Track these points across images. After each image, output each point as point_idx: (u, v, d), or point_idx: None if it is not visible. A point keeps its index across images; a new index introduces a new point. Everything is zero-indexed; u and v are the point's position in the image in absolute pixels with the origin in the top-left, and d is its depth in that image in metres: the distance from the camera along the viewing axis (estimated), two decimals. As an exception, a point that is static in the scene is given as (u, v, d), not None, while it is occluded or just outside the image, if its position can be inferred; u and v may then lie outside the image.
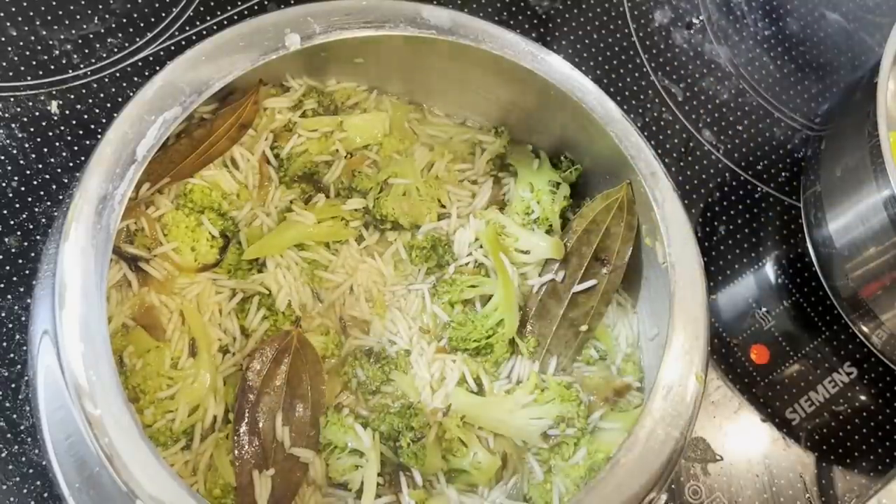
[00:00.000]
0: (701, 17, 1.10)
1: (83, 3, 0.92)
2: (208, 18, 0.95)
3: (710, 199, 1.02)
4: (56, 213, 0.83)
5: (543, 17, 1.06)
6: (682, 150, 1.03)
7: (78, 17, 0.92)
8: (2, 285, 0.82)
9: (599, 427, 0.80)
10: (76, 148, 0.87)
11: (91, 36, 0.91)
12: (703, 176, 1.03)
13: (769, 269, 1.00)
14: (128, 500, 0.60)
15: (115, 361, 0.63)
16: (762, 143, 1.06)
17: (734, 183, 1.03)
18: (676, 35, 1.08)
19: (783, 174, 1.04)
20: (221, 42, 0.74)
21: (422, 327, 0.83)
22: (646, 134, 0.84)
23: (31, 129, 0.87)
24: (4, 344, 0.81)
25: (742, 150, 1.05)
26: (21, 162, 0.86)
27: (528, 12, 1.06)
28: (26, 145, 0.86)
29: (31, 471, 0.77)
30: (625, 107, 0.84)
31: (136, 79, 0.91)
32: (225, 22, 0.95)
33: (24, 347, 0.80)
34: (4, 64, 0.88)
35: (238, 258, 0.79)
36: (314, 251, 0.82)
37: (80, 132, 0.88)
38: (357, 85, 0.88)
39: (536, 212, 0.86)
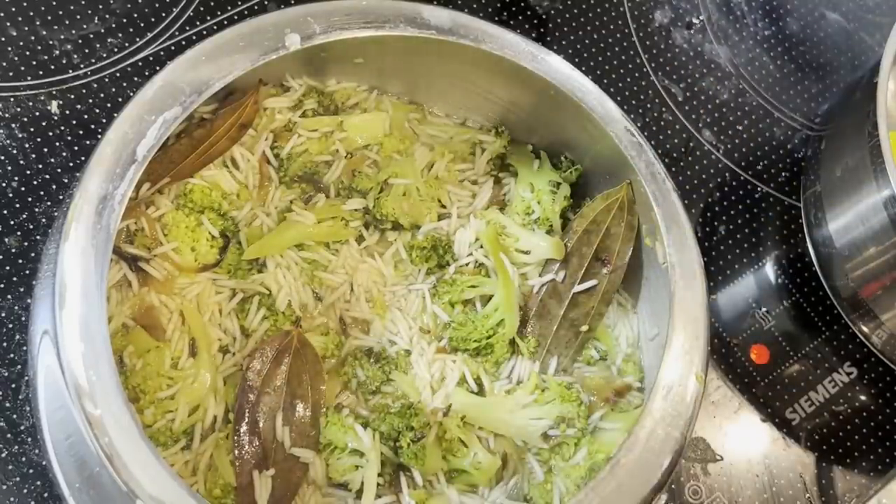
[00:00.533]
0: (701, 17, 1.10)
1: (83, 3, 0.92)
2: (208, 18, 0.95)
3: (710, 199, 1.02)
4: (56, 213, 0.83)
5: (543, 17, 1.06)
6: (682, 150, 1.03)
7: (78, 17, 0.92)
8: (2, 285, 0.82)
9: (600, 427, 0.80)
10: (76, 148, 0.87)
11: (91, 36, 0.91)
12: (703, 176, 1.03)
13: (769, 269, 1.00)
14: (128, 500, 0.60)
15: (115, 361, 0.63)
16: (762, 143, 1.06)
17: (734, 183, 1.03)
18: (676, 35, 1.08)
19: (783, 174, 1.04)
20: (221, 42, 0.74)
21: (422, 327, 0.83)
22: (646, 134, 0.84)
23: (32, 129, 0.87)
24: (4, 344, 0.81)
25: (742, 150, 1.05)
26: (21, 162, 0.86)
27: (528, 12, 1.06)
28: (26, 145, 0.86)
29: (31, 471, 0.77)
30: (625, 107, 0.84)
31: (136, 79, 0.91)
32: (225, 22, 0.95)
33: (24, 347, 0.80)
34: (4, 64, 0.88)
35: (238, 258, 0.79)
36: (314, 251, 0.82)
37: (80, 132, 0.88)
38: (357, 85, 0.88)
39: (537, 212, 0.86)
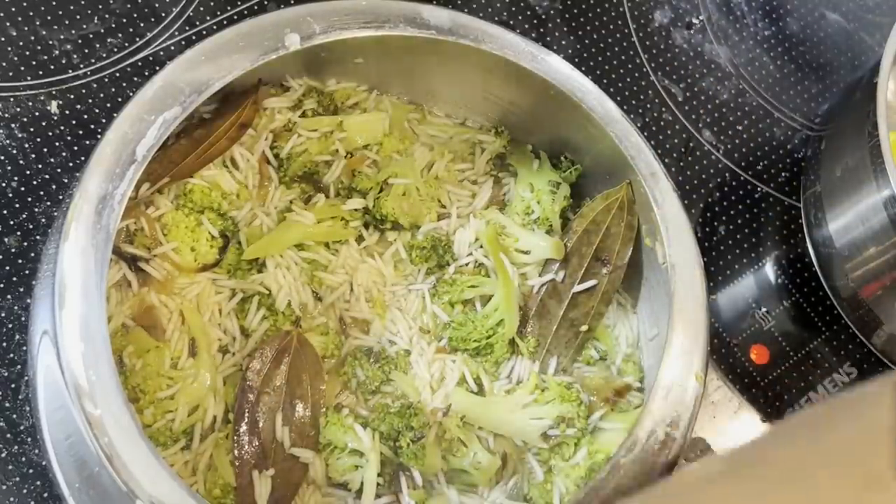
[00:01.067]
0: (701, 17, 1.10)
1: (83, 3, 0.92)
2: (208, 18, 0.95)
3: (710, 199, 1.02)
4: (56, 213, 0.83)
5: (543, 17, 1.06)
6: (682, 150, 1.03)
7: (78, 17, 0.92)
8: (1, 285, 0.82)
9: (600, 427, 0.80)
10: (76, 148, 0.87)
11: (91, 36, 0.91)
12: (703, 176, 1.03)
13: (769, 270, 1.00)
14: (128, 500, 0.60)
15: (114, 361, 0.63)
16: (762, 143, 1.05)
17: (734, 183, 1.03)
18: (676, 35, 1.08)
19: (783, 174, 1.04)
20: (221, 42, 0.74)
21: (422, 327, 0.83)
22: (646, 134, 0.84)
23: (31, 129, 0.87)
24: (4, 344, 0.81)
25: (742, 150, 1.05)
26: (21, 162, 0.86)
27: (528, 12, 1.05)
28: (26, 145, 0.86)
29: (30, 471, 0.77)
30: (625, 107, 0.84)
31: (136, 79, 0.91)
32: (225, 22, 0.95)
33: (24, 347, 0.80)
34: (4, 64, 0.88)
35: (238, 258, 0.79)
36: (314, 251, 0.82)
37: (80, 132, 0.88)
38: (357, 85, 0.88)
39: (536, 212, 0.86)
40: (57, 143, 0.87)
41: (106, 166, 0.67)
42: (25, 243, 0.84)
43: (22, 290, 0.82)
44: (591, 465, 0.77)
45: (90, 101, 0.89)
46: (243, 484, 0.72)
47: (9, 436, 0.78)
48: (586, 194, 0.88)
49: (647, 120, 1.03)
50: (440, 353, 0.81)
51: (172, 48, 0.93)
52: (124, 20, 0.93)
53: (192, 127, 0.78)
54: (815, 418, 0.46)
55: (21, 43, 0.90)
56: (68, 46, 0.91)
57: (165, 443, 0.72)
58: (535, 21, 1.05)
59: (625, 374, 0.83)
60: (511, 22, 1.04)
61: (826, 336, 0.98)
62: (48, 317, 0.65)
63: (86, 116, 0.89)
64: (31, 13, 0.91)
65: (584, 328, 0.84)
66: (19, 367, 0.80)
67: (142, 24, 0.93)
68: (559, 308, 0.83)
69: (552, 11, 1.06)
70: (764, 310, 0.98)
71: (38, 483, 0.77)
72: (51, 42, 0.90)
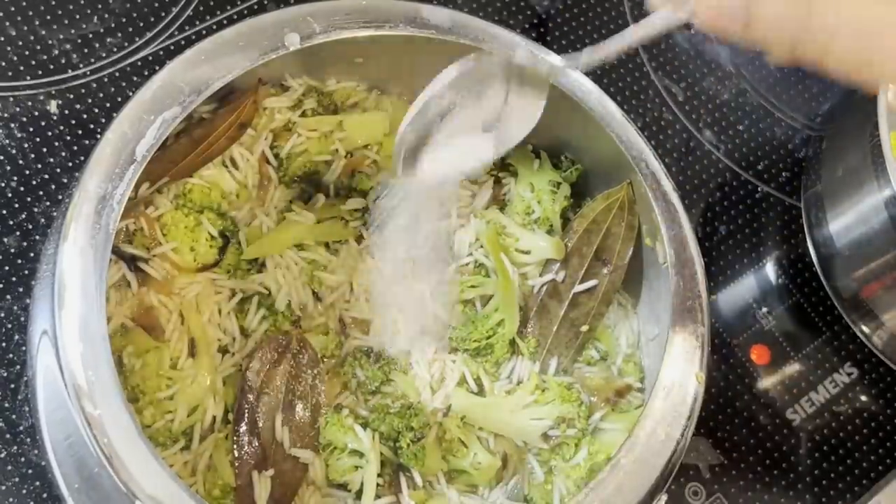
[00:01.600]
0: (701, 17, 1.10)
1: (83, 2, 0.92)
2: (208, 18, 0.95)
3: (710, 199, 1.02)
4: (55, 213, 0.83)
5: (543, 17, 1.06)
6: (683, 150, 1.03)
7: (77, 16, 0.92)
8: (1, 285, 0.82)
9: (600, 427, 0.80)
10: (75, 148, 0.87)
11: (90, 36, 0.91)
12: (704, 176, 1.02)
13: (770, 269, 1.00)
14: (127, 501, 0.60)
15: (114, 361, 0.63)
16: (763, 143, 1.05)
17: (734, 183, 1.03)
18: (677, 35, 1.08)
19: (784, 174, 1.04)
20: (221, 42, 0.74)
21: (422, 327, 0.83)
22: (646, 134, 0.84)
23: (31, 129, 0.87)
24: (3, 344, 0.80)
25: (742, 150, 1.05)
26: (20, 162, 0.86)
27: (528, 12, 1.05)
28: (25, 145, 0.86)
29: (30, 471, 0.77)
30: (625, 107, 0.84)
31: (135, 79, 0.91)
32: (225, 22, 0.95)
33: (24, 348, 0.80)
34: (3, 64, 0.88)
35: (237, 258, 0.79)
36: (314, 251, 0.82)
37: (80, 132, 0.88)
38: (357, 85, 0.87)
39: (537, 212, 0.86)
40: (56, 143, 0.87)
41: (106, 166, 0.67)
42: (25, 243, 0.84)
43: (21, 290, 0.82)
44: (591, 465, 0.77)
45: (90, 100, 0.89)
46: (243, 484, 0.72)
47: (8, 436, 0.78)
48: (587, 194, 0.88)
49: (647, 120, 1.03)
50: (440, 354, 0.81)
51: (172, 48, 0.93)
52: (124, 20, 0.93)
53: (192, 127, 0.78)
54: None
55: (21, 42, 0.89)
56: (68, 46, 0.90)
57: (165, 443, 0.72)
58: (535, 21, 1.05)
59: (625, 375, 0.83)
60: (511, 22, 1.04)
61: (826, 336, 0.98)
62: (48, 317, 0.65)
63: (85, 116, 0.89)
64: (31, 13, 0.90)
65: (584, 328, 0.84)
66: (18, 367, 0.80)
67: (142, 24, 0.93)
68: (559, 308, 0.83)
69: (552, 11, 1.06)
70: (764, 310, 0.98)
71: (38, 483, 0.77)
72: (50, 42, 0.90)
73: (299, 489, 0.74)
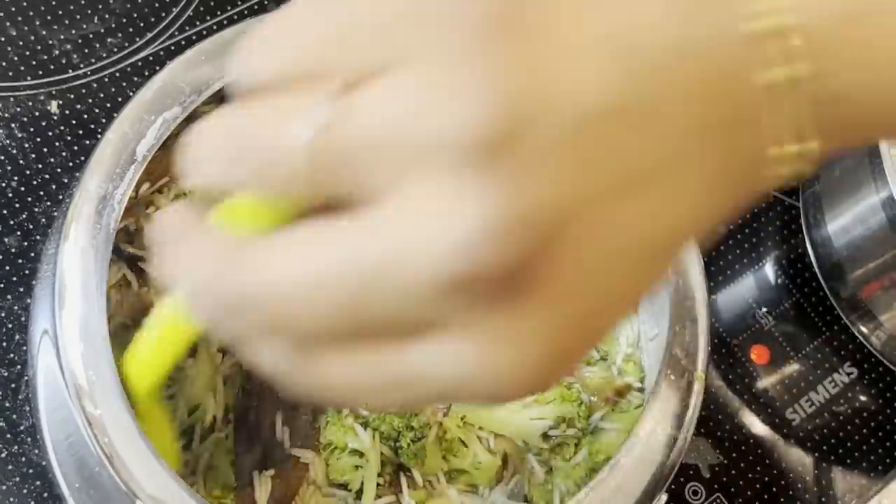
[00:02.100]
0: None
1: (83, 2, 0.92)
2: (208, 18, 0.95)
3: (710, 200, 1.02)
4: (56, 213, 0.83)
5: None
6: (682, 150, 1.03)
7: (78, 16, 0.92)
8: (1, 285, 0.82)
9: (600, 427, 0.80)
10: (76, 148, 0.87)
11: (91, 36, 0.91)
12: (703, 176, 1.02)
13: (769, 270, 1.00)
14: (128, 500, 0.60)
15: (114, 361, 0.63)
16: (762, 144, 1.05)
17: (734, 183, 1.03)
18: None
19: (783, 174, 1.04)
20: (221, 42, 0.74)
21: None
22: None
23: (31, 129, 0.87)
24: (4, 344, 0.80)
25: (742, 151, 1.04)
26: (20, 162, 0.86)
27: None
28: (26, 145, 0.86)
29: (30, 471, 0.77)
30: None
31: (135, 79, 0.91)
32: (225, 22, 0.95)
33: (24, 348, 0.80)
34: (4, 64, 0.88)
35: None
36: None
37: (80, 132, 0.88)
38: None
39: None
40: (57, 143, 0.87)
41: (106, 166, 0.67)
42: (25, 243, 0.84)
43: (22, 290, 0.82)
44: (591, 465, 0.77)
45: (90, 100, 0.89)
46: (243, 484, 0.72)
47: (8, 436, 0.78)
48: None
49: (646, 120, 1.03)
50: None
51: (172, 48, 0.93)
52: (124, 20, 0.93)
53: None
54: None
55: (21, 43, 0.89)
56: (68, 46, 0.90)
57: (165, 443, 0.72)
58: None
59: (625, 374, 0.83)
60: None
61: (826, 336, 0.98)
62: (48, 317, 0.65)
63: (86, 116, 0.88)
64: (31, 13, 0.90)
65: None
66: (19, 367, 0.80)
67: (142, 24, 0.93)
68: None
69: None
70: (764, 310, 0.98)
71: (38, 483, 0.77)
72: (51, 42, 0.90)
73: (300, 489, 0.74)
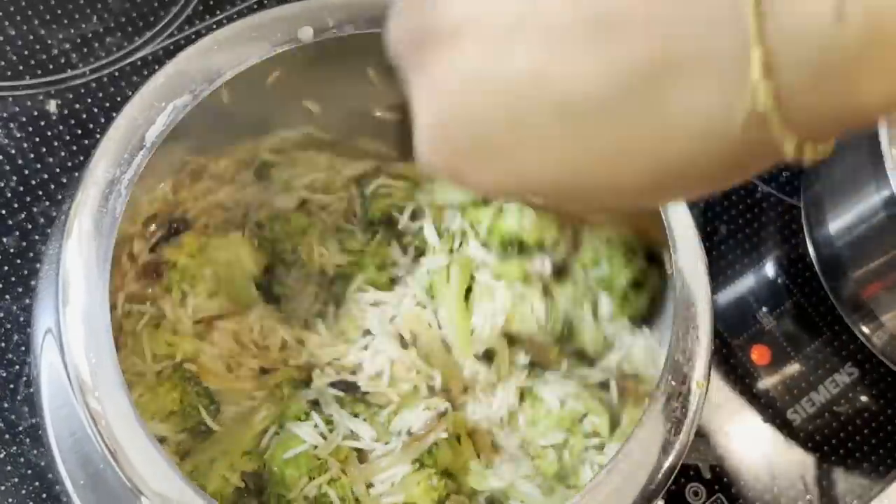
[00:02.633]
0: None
1: (82, 2, 0.92)
2: (208, 18, 0.95)
3: (710, 199, 1.02)
4: (55, 213, 0.83)
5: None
6: (681, 151, 1.03)
7: (77, 16, 0.91)
8: (0, 285, 0.81)
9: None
10: (75, 148, 0.87)
11: (90, 35, 0.91)
12: (703, 177, 1.02)
13: (770, 270, 1.00)
14: (132, 497, 0.60)
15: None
16: (761, 145, 1.05)
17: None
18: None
19: (783, 174, 1.04)
20: (234, 32, 0.73)
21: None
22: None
23: (30, 129, 0.86)
24: (3, 345, 0.80)
25: (741, 152, 1.05)
26: (19, 162, 0.85)
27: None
28: (24, 145, 0.86)
29: (29, 472, 0.76)
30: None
31: (134, 78, 0.90)
32: (224, 21, 0.95)
33: (23, 348, 0.80)
34: (2, 63, 0.88)
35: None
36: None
37: (79, 132, 0.87)
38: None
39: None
40: (55, 143, 0.86)
41: (114, 151, 0.67)
42: (24, 243, 0.83)
43: (21, 290, 0.82)
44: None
45: (89, 100, 0.89)
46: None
47: (7, 436, 0.77)
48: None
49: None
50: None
51: (172, 48, 0.93)
52: (123, 20, 0.92)
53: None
54: None
55: (20, 42, 0.89)
56: (67, 46, 0.90)
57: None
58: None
59: (625, 374, 0.83)
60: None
61: (827, 336, 0.98)
62: (51, 314, 0.64)
63: (84, 116, 0.88)
64: (30, 13, 0.90)
65: (585, 328, 0.84)
66: (18, 367, 0.79)
67: (141, 24, 0.93)
68: (561, 308, 0.83)
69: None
70: (765, 310, 0.98)
71: (37, 484, 0.76)
72: (50, 41, 0.90)
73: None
